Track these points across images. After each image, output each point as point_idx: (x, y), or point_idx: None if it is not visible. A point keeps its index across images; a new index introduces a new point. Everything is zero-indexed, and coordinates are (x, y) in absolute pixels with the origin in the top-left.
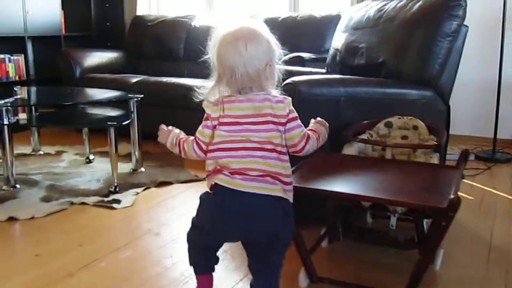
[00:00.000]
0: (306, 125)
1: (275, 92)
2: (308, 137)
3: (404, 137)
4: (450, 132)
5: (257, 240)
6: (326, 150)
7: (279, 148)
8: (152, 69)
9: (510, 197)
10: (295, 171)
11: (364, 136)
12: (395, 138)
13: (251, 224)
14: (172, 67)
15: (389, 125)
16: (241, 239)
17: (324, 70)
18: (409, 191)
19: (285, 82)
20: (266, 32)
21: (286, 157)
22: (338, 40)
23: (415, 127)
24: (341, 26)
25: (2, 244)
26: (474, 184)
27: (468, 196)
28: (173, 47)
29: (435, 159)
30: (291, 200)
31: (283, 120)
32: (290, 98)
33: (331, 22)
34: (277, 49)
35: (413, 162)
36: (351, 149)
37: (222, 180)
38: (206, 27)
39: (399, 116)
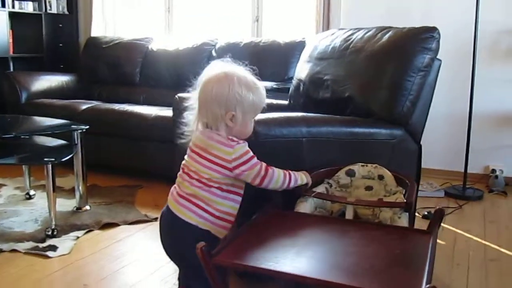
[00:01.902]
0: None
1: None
2: (265, 174)
3: (369, 188)
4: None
5: (172, 259)
6: (278, 206)
7: (216, 185)
8: (106, 94)
9: (484, 242)
10: (234, 237)
11: (322, 187)
12: (358, 188)
13: (164, 241)
14: (128, 92)
15: (351, 174)
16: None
17: (286, 102)
18: (371, 270)
19: None
20: (240, 82)
21: (223, 193)
22: (301, 70)
23: (381, 177)
24: (305, 55)
25: None
26: (446, 226)
27: (440, 241)
28: (129, 71)
29: (403, 219)
30: (213, 232)
31: (228, 165)
32: (242, 146)
33: (295, 49)
34: (246, 101)
35: (378, 225)
36: (306, 206)
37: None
38: (163, 51)
39: (363, 164)
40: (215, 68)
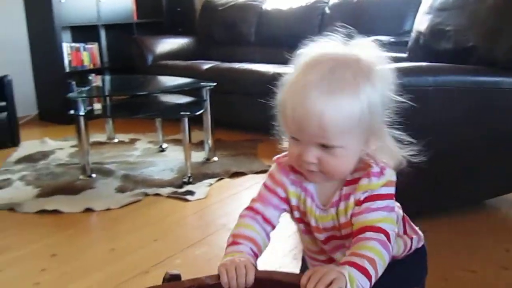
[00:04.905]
0: None
1: None
2: None
3: None
4: None
5: None
6: None
7: None
8: (223, 55)
9: None
10: None
11: None
12: None
13: None
14: (243, 52)
15: None
16: None
17: (405, 55)
18: None
19: None
20: None
21: None
22: (421, 22)
23: None
24: (424, 6)
25: (79, 236)
26: None
27: None
28: (244, 31)
29: None
30: None
31: None
32: None
33: (410, 1)
34: None
35: None
36: None
37: None
38: (277, 10)
39: None
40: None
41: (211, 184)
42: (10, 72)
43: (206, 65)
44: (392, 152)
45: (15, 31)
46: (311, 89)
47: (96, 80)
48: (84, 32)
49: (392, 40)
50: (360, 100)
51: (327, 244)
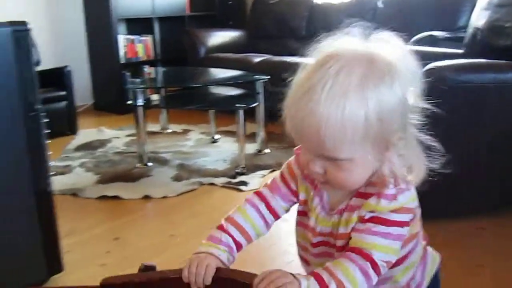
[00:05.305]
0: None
1: None
2: None
3: None
4: None
5: None
6: None
7: None
8: (273, 48)
9: None
10: None
11: None
12: None
13: None
14: (294, 46)
15: None
16: None
17: (461, 51)
18: None
19: (428, 66)
20: None
21: None
22: (478, 18)
23: None
24: (482, 2)
25: (139, 221)
26: None
27: None
28: (295, 25)
29: None
30: None
31: None
32: None
33: None
34: None
35: None
36: None
37: None
38: (328, 4)
39: None
40: None
41: (264, 176)
42: (69, 63)
43: (257, 58)
44: (418, 165)
45: (74, 24)
46: (310, 96)
47: (150, 72)
48: (138, 25)
49: (447, 35)
50: (366, 106)
51: (316, 248)
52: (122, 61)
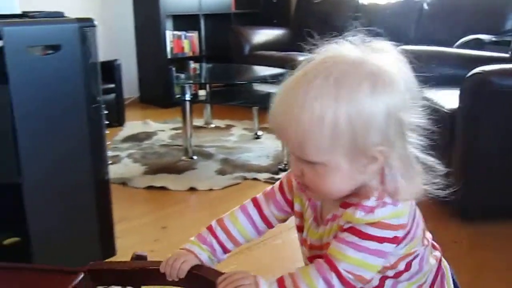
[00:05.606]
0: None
1: None
2: None
3: None
4: None
5: None
6: None
7: None
8: (316, 47)
9: None
10: None
11: None
12: None
13: None
14: None
15: None
16: None
17: (507, 55)
18: None
19: (474, 71)
20: None
21: None
22: None
23: None
24: None
25: (186, 212)
26: None
27: None
28: (339, 25)
29: None
30: None
31: None
32: None
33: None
34: None
35: None
36: None
37: None
38: (374, 5)
39: None
40: None
41: None
42: (118, 57)
43: (301, 56)
44: (413, 184)
45: (124, 19)
46: (289, 96)
47: (195, 68)
48: (185, 21)
49: (494, 39)
50: (336, 108)
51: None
52: (169, 56)
